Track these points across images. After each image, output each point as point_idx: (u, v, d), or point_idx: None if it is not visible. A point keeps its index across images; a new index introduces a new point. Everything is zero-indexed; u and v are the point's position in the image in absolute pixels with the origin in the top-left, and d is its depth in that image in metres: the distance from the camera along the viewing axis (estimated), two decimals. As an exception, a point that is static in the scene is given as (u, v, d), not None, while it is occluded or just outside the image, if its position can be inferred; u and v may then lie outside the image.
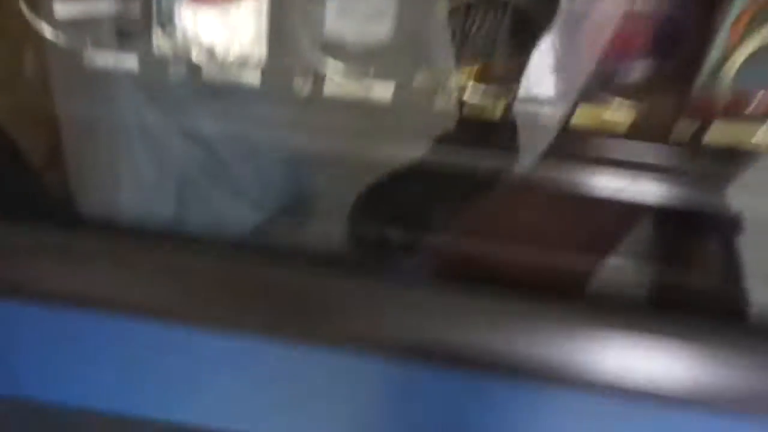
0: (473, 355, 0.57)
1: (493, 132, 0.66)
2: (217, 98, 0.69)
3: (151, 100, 0.71)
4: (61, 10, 0.67)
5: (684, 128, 0.61)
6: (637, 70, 0.63)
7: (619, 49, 0.61)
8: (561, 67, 0.63)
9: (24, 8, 0.64)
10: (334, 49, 0.65)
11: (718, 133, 0.61)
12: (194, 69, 0.66)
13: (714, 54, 0.59)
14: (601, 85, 0.62)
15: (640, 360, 0.56)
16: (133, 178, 0.77)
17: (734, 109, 0.60)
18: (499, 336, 0.57)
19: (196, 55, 0.65)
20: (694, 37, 0.60)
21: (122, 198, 0.75)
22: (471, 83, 0.63)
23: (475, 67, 0.64)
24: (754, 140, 0.61)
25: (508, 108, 0.64)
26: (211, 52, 0.65)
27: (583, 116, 0.62)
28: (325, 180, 0.78)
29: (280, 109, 0.69)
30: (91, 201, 0.74)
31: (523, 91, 0.63)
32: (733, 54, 0.59)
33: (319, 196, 0.81)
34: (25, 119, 0.73)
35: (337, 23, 0.65)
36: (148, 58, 0.66)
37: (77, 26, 0.67)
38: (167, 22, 0.65)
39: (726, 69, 0.59)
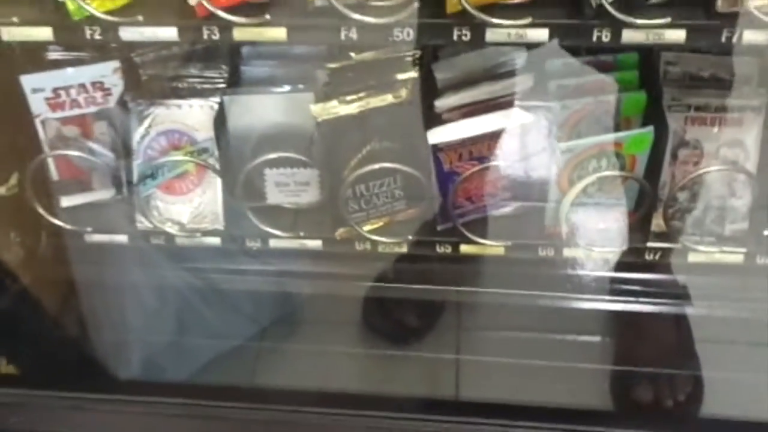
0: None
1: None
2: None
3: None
4: (65, 202, 0.88)
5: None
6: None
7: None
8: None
9: (36, 204, 0.84)
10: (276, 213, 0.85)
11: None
12: (169, 238, 0.85)
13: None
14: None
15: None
16: (138, 310, 0.96)
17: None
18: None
19: (169, 228, 0.84)
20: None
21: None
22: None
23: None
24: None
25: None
26: (180, 226, 0.85)
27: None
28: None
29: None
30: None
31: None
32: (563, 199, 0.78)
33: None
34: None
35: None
36: (133, 234, 0.86)
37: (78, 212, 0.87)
38: (145, 208, 0.84)
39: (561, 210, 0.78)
